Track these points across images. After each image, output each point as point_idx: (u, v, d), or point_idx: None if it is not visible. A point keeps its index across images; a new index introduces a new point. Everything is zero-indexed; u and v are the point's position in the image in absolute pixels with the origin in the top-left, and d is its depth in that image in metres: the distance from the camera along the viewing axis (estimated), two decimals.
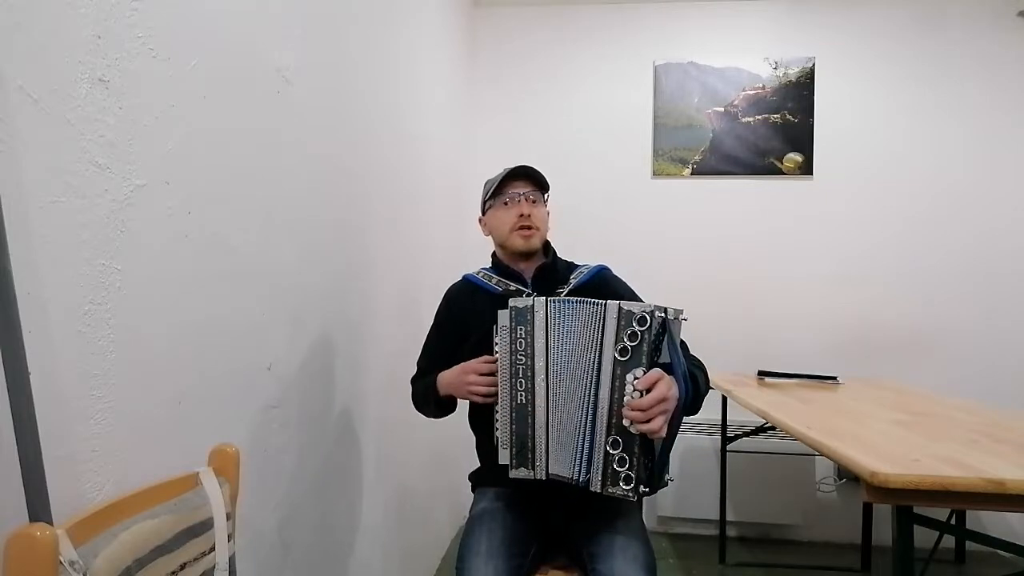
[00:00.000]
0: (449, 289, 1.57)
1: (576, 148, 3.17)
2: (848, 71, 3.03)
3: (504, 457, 1.25)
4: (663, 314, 1.12)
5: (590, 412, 1.16)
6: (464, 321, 1.46)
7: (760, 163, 3.07)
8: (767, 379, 2.62)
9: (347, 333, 1.64)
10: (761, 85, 3.06)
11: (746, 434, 2.70)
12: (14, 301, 0.63)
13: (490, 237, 1.54)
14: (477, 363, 1.31)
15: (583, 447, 1.17)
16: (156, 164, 0.89)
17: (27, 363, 0.64)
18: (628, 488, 1.12)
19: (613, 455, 1.13)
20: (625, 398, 1.13)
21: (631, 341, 1.13)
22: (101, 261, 0.79)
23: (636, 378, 1.12)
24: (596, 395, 1.16)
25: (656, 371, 1.12)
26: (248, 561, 1.13)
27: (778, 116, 3.06)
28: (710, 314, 3.01)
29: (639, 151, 3.14)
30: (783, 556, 2.85)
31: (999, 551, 2.11)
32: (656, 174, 3.14)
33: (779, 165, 3.07)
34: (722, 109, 3.09)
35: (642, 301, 1.47)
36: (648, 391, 1.10)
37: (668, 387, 1.11)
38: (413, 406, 1.56)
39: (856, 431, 1.61)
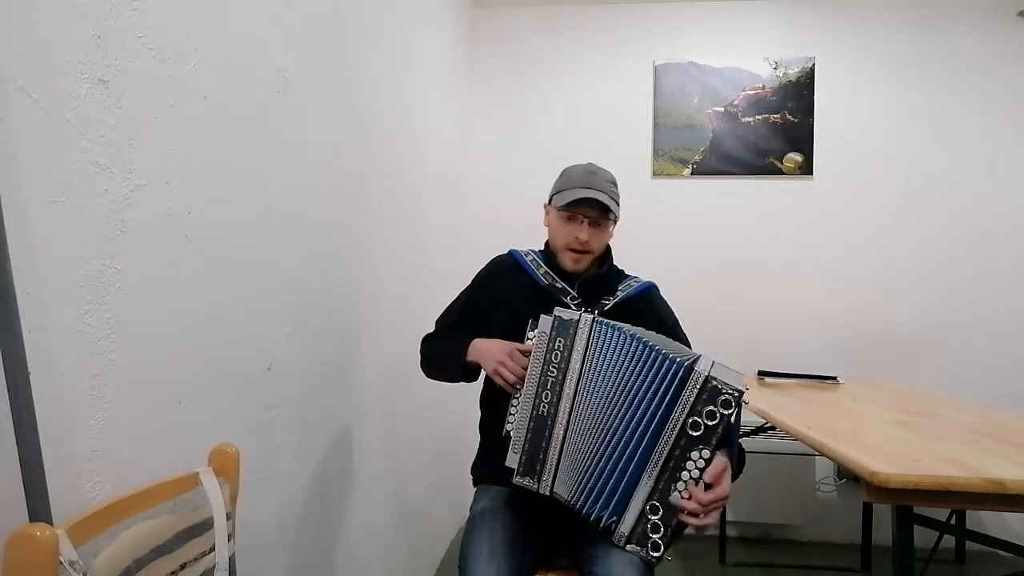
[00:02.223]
0: (494, 259, 1.54)
1: (576, 148, 3.13)
2: (848, 71, 3.03)
3: (512, 461, 1.24)
4: (741, 397, 1.08)
5: (630, 458, 1.14)
6: (499, 296, 1.45)
7: (760, 163, 3.07)
8: (767, 379, 2.62)
9: (347, 333, 1.64)
10: (761, 85, 3.06)
11: (746, 434, 2.69)
12: (14, 301, 0.63)
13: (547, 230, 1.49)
14: (521, 347, 1.27)
15: (602, 483, 1.16)
16: (156, 164, 0.89)
17: (27, 363, 0.64)
18: (656, 555, 1.13)
19: (650, 519, 1.13)
20: (683, 473, 1.11)
21: (708, 419, 1.09)
22: (101, 261, 0.79)
23: (702, 458, 1.09)
24: (647, 449, 1.13)
25: (721, 461, 1.11)
26: (248, 561, 1.13)
27: (778, 116, 3.06)
28: (710, 314, 3.00)
29: (639, 151, 3.14)
30: (783, 556, 2.85)
31: (999, 551, 2.11)
32: (656, 174, 3.13)
33: (779, 165, 3.06)
34: (722, 109, 3.08)
35: (680, 327, 1.45)
36: (709, 484, 1.10)
37: (728, 482, 1.11)
38: (421, 363, 1.50)
39: (856, 431, 1.61)
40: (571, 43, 3.17)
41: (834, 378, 2.60)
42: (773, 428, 2.40)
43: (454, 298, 1.56)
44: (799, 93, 3.04)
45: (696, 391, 1.09)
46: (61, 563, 0.62)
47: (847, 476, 2.94)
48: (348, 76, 1.60)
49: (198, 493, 0.88)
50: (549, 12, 3.17)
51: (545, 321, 1.22)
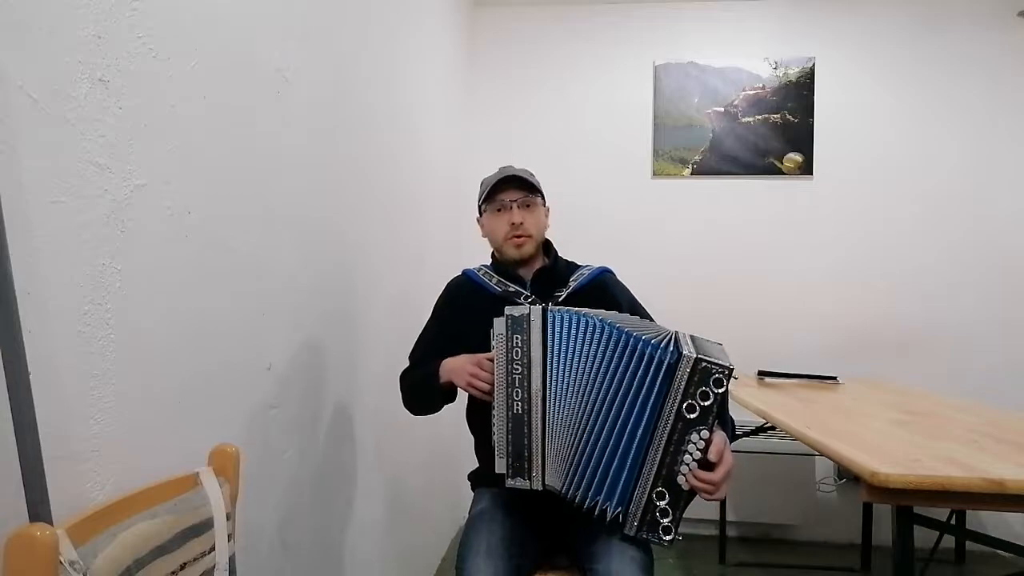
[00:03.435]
0: (449, 283, 1.55)
1: (576, 148, 3.17)
2: (848, 71, 3.03)
3: (501, 466, 1.24)
4: (731, 372, 1.10)
5: (627, 445, 1.15)
6: (462, 318, 1.46)
7: (760, 163, 3.07)
8: (767, 379, 2.62)
9: (346, 333, 1.64)
10: (761, 85, 3.06)
11: (746, 434, 2.69)
12: (14, 301, 0.63)
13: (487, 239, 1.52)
14: (486, 356, 1.28)
15: (601, 472, 1.16)
16: (156, 164, 0.89)
17: (27, 363, 0.64)
18: (667, 539, 1.14)
19: (658, 504, 1.14)
20: (685, 456, 1.12)
21: (703, 400, 1.10)
22: (101, 261, 0.79)
23: (702, 439, 1.11)
24: (644, 435, 1.14)
25: (721, 438, 1.13)
26: (248, 561, 1.13)
27: (778, 116, 3.06)
28: (710, 314, 3.00)
29: (639, 151, 3.14)
30: (783, 556, 2.85)
31: (999, 551, 2.11)
32: (656, 174, 3.13)
33: (779, 165, 3.06)
34: (722, 109, 3.08)
35: (641, 306, 1.47)
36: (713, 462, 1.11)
37: (730, 455, 1.14)
38: (403, 401, 1.49)
39: (856, 431, 1.61)
40: (571, 43, 3.17)
41: (834, 378, 2.60)
42: (773, 428, 2.41)
43: (421, 330, 1.56)
44: (799, 93, 3.04)
45: (687, 375, 1.10)
46: (61, 563, 0.62)
47: (847, 476, 2.94)
48: (348, 76, 1.60)
49: (198, 493, 0.88)
50: (549, 12, 3.17)
51: (499, 323, 1.23)
